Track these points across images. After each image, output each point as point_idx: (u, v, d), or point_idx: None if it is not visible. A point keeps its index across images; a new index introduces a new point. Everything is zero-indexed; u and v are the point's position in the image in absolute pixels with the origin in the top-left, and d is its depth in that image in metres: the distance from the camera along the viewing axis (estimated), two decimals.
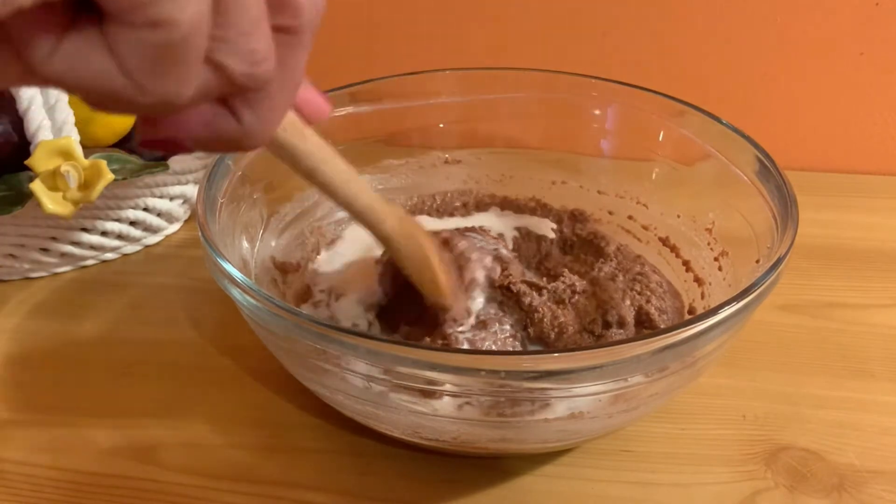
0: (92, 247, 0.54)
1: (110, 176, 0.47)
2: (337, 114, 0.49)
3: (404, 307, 0.42)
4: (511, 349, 0.39)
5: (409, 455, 0.39)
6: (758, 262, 0.38)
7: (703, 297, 0.44)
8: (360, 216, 0.34)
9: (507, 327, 0.40)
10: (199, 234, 0.36)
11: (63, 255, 0.53)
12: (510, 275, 0.41)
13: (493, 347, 0.38)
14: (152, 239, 0.57)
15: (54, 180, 0.47)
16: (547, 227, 0.51)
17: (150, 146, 0.22)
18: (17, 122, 0.48)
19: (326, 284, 0.46)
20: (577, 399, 0.32)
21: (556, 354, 0.31)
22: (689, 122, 0.46)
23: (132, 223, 0.54)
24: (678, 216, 0.47)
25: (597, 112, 0.51)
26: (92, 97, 0.18)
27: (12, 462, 0.40)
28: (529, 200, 0.53)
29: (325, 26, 0.24)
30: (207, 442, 0.41)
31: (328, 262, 0.48)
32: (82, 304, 0.51)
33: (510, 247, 0.48)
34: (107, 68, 0.17)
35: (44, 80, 0.18)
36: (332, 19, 0.30)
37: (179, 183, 0.55)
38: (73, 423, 0.42)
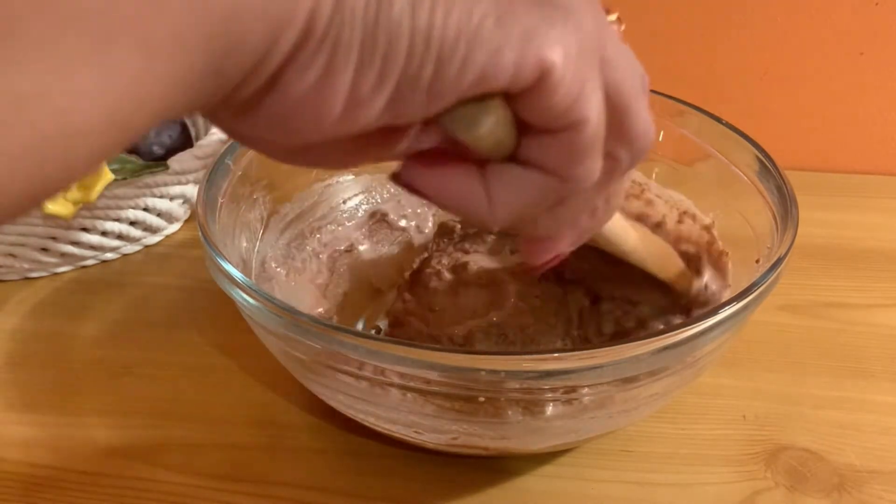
0: (92, 247, 0.54)
1: (110, 176, 0.47)
2: None
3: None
4: None
5: (409, 455, 0.39)
6: (758, 262, 0.38)
7: None
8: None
9: None
10: (199, 234, 0.36)
11: (63, 255, 0.53)
12: None
13: None
14: (152, 239, 0.57)
15: None
16: None
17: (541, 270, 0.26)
18: None
19: None
20: (578, 399, 0.32)
21: (556, 354, 0.31)
22: (689, 122, 0.46)
23: (132, 223, 0.54)
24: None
25: None
26: (452, 211, 0.22)
27: (12, 462, 0.40)
28: None
29: None
30: (207, 442, 0.41)
31: None
32: (82, 304, 0.51)
33: None
34: (476, 192, 0.21)
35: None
36: None
37: (179, 183, 0.55)
38: (73, 423, 0.42)
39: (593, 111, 0.20)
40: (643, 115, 0.23)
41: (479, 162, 0.21)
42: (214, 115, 0.18)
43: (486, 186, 0.21)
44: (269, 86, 0.17)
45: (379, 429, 0.37)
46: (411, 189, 0.22)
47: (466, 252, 0.48)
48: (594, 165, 0.21)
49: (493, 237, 0.49)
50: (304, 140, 0.18)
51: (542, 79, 0.19)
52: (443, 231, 0.50)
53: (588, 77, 0.20)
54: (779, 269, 0.33)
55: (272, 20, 0.16)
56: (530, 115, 0.20)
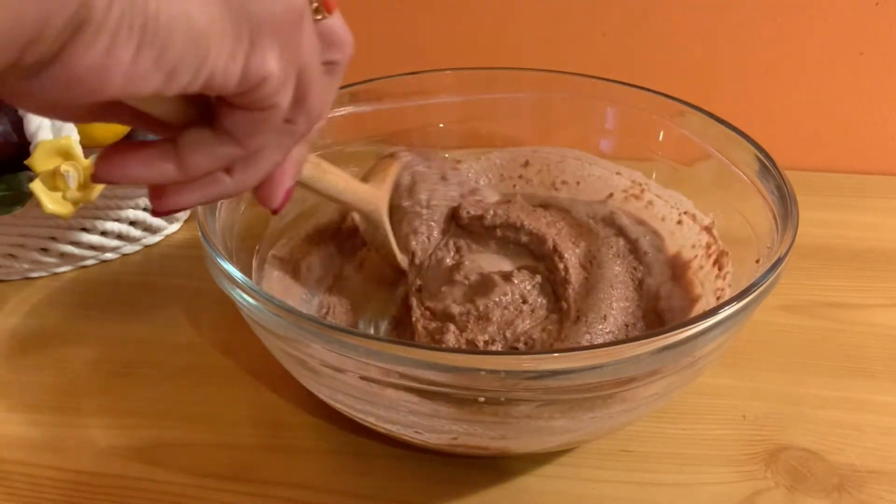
0: (92, 247, 0.54)
1: None
2: (337, 114, 0.49)
3: None
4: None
5: (409, 455, 0.39)
6: (758, 262, 0.38)
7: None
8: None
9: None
10: (199, 234, 0.36)
11: (63, 255, 0.53)
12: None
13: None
14: (152, 239, 0.57)
15: (54, 180, 0.47)
16: None
17: (163, 215, 0.27)
18: (17, 122, 0.48)
19: None
20: (578, 399, 0.32)
21: (556, 354, 0.31)
22: (689, 122, 0.46)
23: (132, 223, 0.54)
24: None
25: (597, 112, 0.51)
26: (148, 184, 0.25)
27: (12, 462, 0.40)
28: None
29: None
30: (207, 442, 0.41)
31: None
32: (82, 304, 0.51)
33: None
34: (161, 163, 0.24)
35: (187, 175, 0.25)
36: None
37: None
38: (73, 423, 0.42)
39: (285, 99, 0.24)
40: (319, 93, 0.26)
41: (172, 136, 0.24)
42: (3, 80, 0.20)
43: (177, 153, 0.24)
44: (56, 56, 0.19)
45: (379, 429, 0.37)
46: (108, 181, 0.24)
47: (470, 250, 0.48)
48: (272, 137, 0.25)
49: (495, 242, 0.48)
50: (93, 100, 0.20)
51: (259, 84, 0.22)
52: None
53: (289, 73, 0.23)
54: (779, 269, 0.33)
55: (40, 4, 0.18)
56: (233, 98, 0.23)
